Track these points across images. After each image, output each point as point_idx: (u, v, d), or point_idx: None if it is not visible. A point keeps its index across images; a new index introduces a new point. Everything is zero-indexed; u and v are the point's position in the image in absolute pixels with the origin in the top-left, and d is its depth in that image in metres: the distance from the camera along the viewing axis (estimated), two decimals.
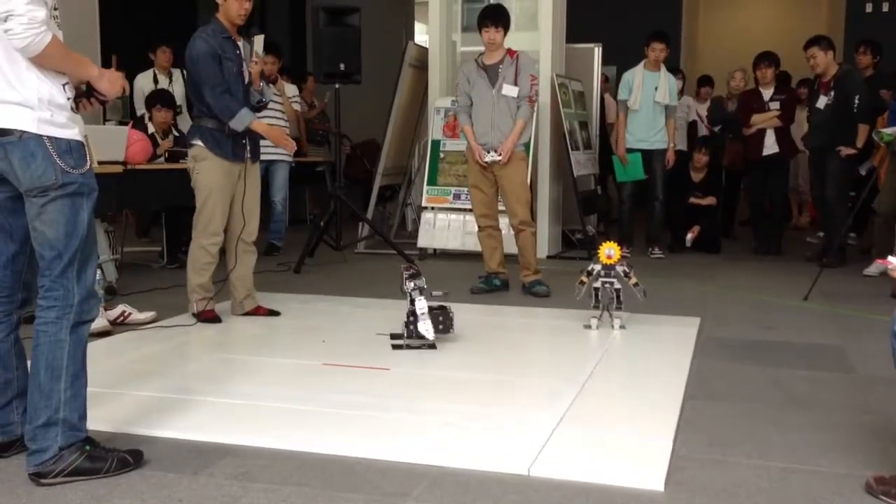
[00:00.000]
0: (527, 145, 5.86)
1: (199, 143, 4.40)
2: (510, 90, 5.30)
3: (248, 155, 4.51)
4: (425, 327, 3.90)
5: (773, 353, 3.99)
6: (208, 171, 4.39)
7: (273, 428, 2.90)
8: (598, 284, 4.38)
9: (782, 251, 7.18)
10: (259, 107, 4.61)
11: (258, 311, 4.70)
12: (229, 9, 4.31)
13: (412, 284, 3.99)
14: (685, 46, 12.36)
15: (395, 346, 4.00)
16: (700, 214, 7.48)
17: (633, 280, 4.36)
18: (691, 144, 8.33)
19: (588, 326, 4.41)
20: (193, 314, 4.53)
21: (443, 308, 4.02)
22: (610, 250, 4.35)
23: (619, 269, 4.36)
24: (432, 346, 3.97)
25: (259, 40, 4.56)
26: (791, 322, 4.67)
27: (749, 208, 7.94)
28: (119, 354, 3.92)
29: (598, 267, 4.37)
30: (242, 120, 4.35)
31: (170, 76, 8.03)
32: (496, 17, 5.31)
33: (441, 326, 3.98)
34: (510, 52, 5.38)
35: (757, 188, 7.47)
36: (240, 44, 4.43)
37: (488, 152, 5.29)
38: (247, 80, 4.47)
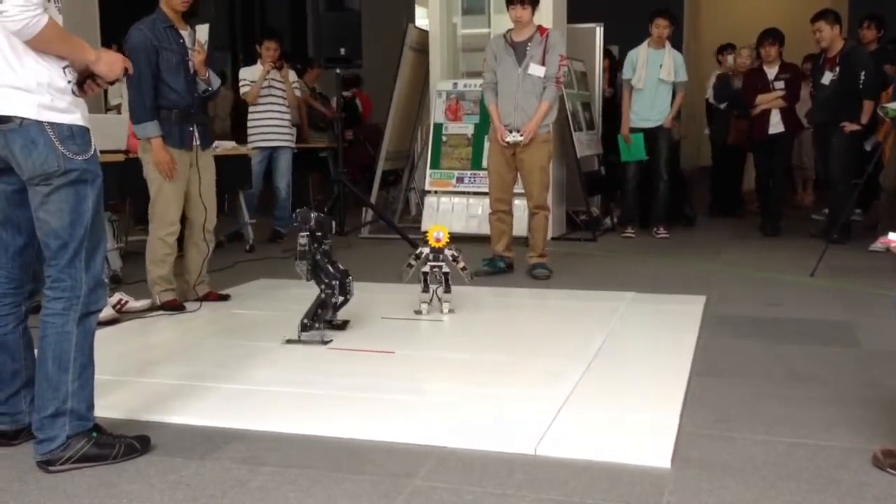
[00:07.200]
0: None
1: None
2: (537, 70, 5.15)
3: (198, 142, 4.48)
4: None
5: (779, 330, 3.98)
6: None
7: (279, 412, 2.91)
8: (426, 269, 4.29)
9: (781, 231, 7.12)
10: (207, 96, 4.56)
11: (209, 297, 4.69)
12: None
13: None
14: (688, 24, 12.27)
15: (288, 341, 3.83)
16: None
17: (461, 264, 4.31)
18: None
19: (419, 312, 4.29)
20: (157, 305, 4.51)
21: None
22: (438, 233, 4.26)
23: (448, 252, 4.28)
24: (326, 342, 3.79)
25: (203, 29, 4.49)
26: (797, 298, 4.66)
27: (756, 186, 7.90)
28: (126, 342, 3.93)
29: (426, 250, 4.27)
30: (145, 132, 4.30)
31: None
32: None
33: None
34: (541, 29, 5.23)
35: (763, 167, 7.42)
36: (184, 33, 4.38)
37: (510, 132, 5.20)
38: (192, 70, 4.41)
